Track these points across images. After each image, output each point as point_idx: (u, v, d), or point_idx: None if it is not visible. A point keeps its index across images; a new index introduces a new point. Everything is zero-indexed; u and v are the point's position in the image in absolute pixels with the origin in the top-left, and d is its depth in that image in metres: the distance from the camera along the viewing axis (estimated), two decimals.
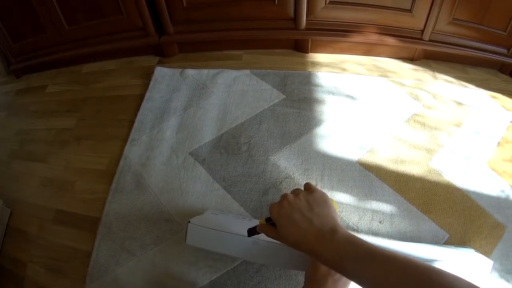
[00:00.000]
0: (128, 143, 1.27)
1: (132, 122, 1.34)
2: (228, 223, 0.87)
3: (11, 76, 1.84)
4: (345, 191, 1.09)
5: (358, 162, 1.15)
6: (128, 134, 1.30)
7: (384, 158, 1.17)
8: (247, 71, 1.45)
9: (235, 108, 1.32)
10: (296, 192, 0.64)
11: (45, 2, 1.46)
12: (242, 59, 1.53)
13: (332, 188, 1.10)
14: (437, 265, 0.80)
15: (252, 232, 0.69)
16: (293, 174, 1.13)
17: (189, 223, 0.83)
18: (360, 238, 0.53)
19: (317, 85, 1.38)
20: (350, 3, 1.40)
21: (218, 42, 1.58)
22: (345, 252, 0.51)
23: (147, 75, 1.52)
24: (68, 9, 1.50)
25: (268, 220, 0.64)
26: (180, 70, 1.50)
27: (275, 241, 0.64)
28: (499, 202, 1.07)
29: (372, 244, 0.51)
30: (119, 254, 1.02)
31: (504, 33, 1.38)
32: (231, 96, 1.37)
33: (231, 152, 1.20)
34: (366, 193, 1.09)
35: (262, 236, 0.68)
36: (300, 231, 0.57)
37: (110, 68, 1.66)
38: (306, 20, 1.45)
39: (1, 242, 1.18)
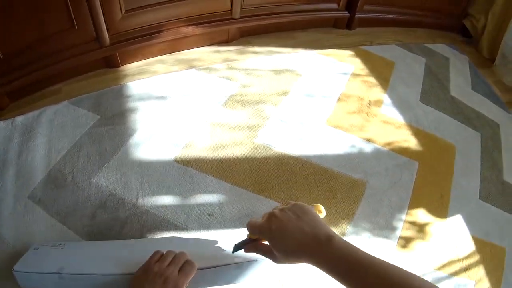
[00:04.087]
0: None
1: None
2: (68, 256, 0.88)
3: None
4: (167, 192, 1.15)
5: (175, 160, 1.21)
6: None
7: (202, 148, 1.20)
8: (65, 102, 1.50)
9: (57, 141, 1.38)
10: (279, 208, 0.67)
11: None
12: (62, 92, 1.57)
13: (153, 194, 1.15)
14: None
15: (238, 248, 0.70)
16: (114, 190, 1.20)
17: (14, 272, 0.80)
18: (354, 246, 0.57)
19: (128, 96, 1.44)
20: (148, 5, 1.44)
21: (36, 83, 1.58)
22: (343, 259, 0.55)
23: None
24: None
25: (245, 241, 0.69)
26: (11, 120, 1.53)
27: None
28: (351, 159, 1.07)
29: (367, 253, 0.55)
30: None
31: None
32: (54, 131, 1.42)
33: (59, 185, 1.27)
34: (189, 189, 1.14)
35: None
36: (295, 241, 0.60)
37: None
38: (109, 36, 1.49)
39: None
